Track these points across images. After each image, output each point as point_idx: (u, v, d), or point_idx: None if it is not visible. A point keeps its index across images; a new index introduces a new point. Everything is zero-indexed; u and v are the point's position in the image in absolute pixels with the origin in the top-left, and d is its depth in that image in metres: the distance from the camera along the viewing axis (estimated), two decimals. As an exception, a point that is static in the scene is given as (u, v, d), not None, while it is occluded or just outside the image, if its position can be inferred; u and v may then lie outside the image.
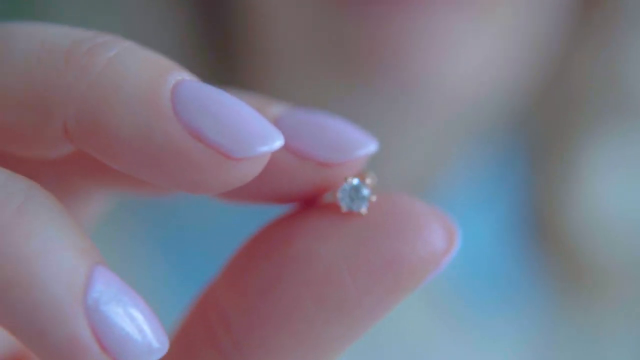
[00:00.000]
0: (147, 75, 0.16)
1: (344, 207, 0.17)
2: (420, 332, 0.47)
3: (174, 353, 0.18)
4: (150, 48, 0.17)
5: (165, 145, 0.15)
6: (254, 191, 0.18)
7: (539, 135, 0.51)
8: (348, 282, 0.16)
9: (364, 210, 0.17)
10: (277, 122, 0.18)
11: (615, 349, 0.49)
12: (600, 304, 0.49)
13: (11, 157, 0.19)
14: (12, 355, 0.21)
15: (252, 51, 0.45)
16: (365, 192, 0.17)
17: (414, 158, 0.48)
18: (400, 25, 0.39)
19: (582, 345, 0.49)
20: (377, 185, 0.18)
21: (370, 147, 0.18)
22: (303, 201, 0.18)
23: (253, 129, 0.16)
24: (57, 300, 0.15)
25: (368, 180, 0.18)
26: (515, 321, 0.49)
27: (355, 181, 0.18)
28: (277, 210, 0.19)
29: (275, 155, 0.17)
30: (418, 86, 0.41)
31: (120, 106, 0.16)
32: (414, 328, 0.47)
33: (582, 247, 0.49)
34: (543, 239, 0.50)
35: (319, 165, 0.17)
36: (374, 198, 0.17)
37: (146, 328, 0.16)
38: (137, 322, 0.15)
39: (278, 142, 0.16)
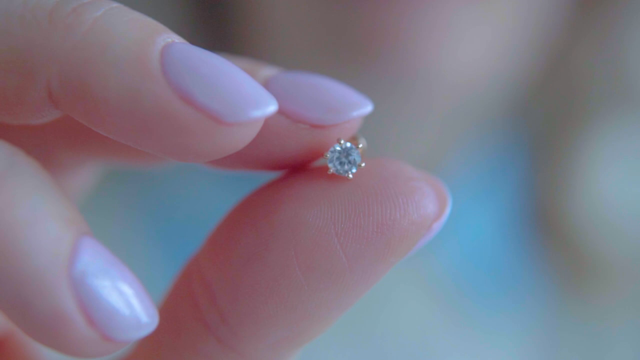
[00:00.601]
0: (135, 36, 0.15)
1: (331, 169, 0.17)
2: (423, 325, 0.47)
3: (158, 328, 0.17)
4: None
5: (154, 109, 0.15)
6: (245, 157, 0.17)
7: (540, 127, 0.50)
8: (337, 248, 0.16)
9: (350, 175, 0.17)
10: (268, 84, 0.17)
11: (617, 341, 0.49)
12: (603, 296, 0.49)
13: None
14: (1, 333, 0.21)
15: (250, 37, 0.45)
16: (356, 156, 0.17)
17: (414, 149, 0.47)
18: (399, 13, 0.39)
19: (585, 337, 0.49)
20: (367, 152, 0.18)
21: (365, 108, 0.17)
22: (294, 168, 0.18)
23: (245, 93, 0.15)
24: (41, 271, 0.14)
25: (360, 146, 0.17)
26: (518, 314, 0.48)
27: (348, 144, 0.17)
28: (268, 180, 0.18)
29: (267, 118, 0.16)
30: (417, 75, 0.41)
31: (107, 67, 0.15)
32: (416, 321, 0.47)
33: (584, 239, 0.49)
34: (545, 231, 0.49)
35: (313, 127, 0.17)
36: (363, 164, 0.17)
37: (135, 302, 0.15)
38: (125, 295, 0.15)
39: (271, 107, 0.16)
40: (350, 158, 0.17)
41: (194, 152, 0.15)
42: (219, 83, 0.15)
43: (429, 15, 0.39)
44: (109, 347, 0.15)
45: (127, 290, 0.15)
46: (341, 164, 0.17)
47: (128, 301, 0.15)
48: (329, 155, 0.17)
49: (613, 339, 0.49)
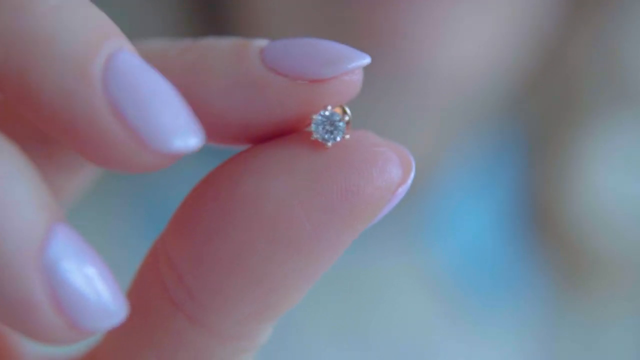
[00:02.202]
0: (87, 35, 0.15)
1: (314, 135, 0.17)
2: (420, 321, 0.47)
3: (128, 312, 0.17)
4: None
5: (84, 115, 0.15)
6: (245, 125, 0.17)
7: (537, 124, 0.50)
8: (301, 217, 0.16)
9: (329, 144, 0.17)
10: (263, 52, 0.17)
11: (615, 338, 0.49)
12: (600, 292, 0.49)
13: None
14: None
15: (245, 33, 0.45)
16: (340, 125, 0.17)
17: (412, 146, 0.47)
18: (395, 9, 0.39)
19: (583, 334, 0.49)
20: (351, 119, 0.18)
21: (362, 60, 0.17)
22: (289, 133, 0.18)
23: (176, 122, 0.15)
24: (12, 254, 0.14)
25: (346, 119, 0.17)
26: (515, 310, 0.48)
27: (334, 113, 0.17)
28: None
29: (266, 80, 0.17)
30: (413, 71, 0.41)
31: (49, 61, 0.15)
32: (414, 318, 0.47)
33: (581, 236, 0.49)
34: (542, 228, 0.49)
35: (311, 82, 0.17)
36: (347, 136, 0.17)
37: (105, 292, 0.15)
38: (95, 285, 0.15)
39: (193, 142, 0.16)
40: (335, 127, 0.17)
41: (112, 163, 0.16)
42: (154, 108, 0.15)
43: (425, 11, 0.39)
44: (75, 336, 0.15)
45: (98, 280, 0.15)
46: (325, 131, 0.17)
47: (98, 291, 0.15)
48: (313, 119, 0.17)
49: (610, 335, 0.49)
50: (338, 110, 0.17)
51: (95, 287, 0.15)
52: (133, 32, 0.17)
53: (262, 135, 0.18)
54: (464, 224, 0.49)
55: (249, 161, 0.17)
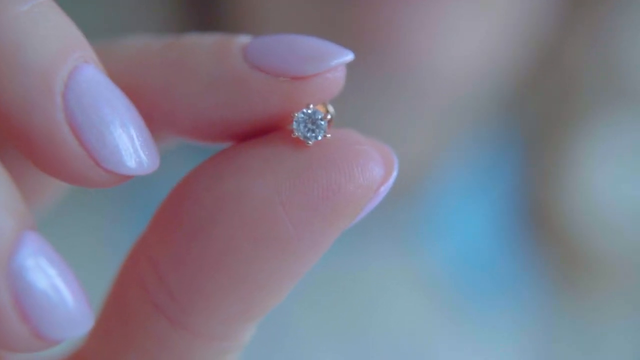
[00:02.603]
0: (52, 47, 0.15)
1: (295, 132, 0.17)
2: (417, 322, 0.47)
3: (109, 314, 0.17)
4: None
5: (42, 129, 0.15)
6: (228, 122, 0.17)
7: (534, 123, 0.50)
8: (283, 216, 0.16)
9: (310, 142, 0.17)
10: (246, 49, 0.17)
11: (612, 338, 0.49)
12: (597, 292, 0.49)
13: None
14: None
15: (241, 31, 0.45)
16: (321, 123, 0.17)
17: (409, 146, 0.47)
18: (392, 8, 0.39)
19: (580, 334, 0.49)
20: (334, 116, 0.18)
21: (345, 56, 0.17)
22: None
23: (132, 145, 0.16)
24: None
25: (328, 117, 0.17)
26: (512, 311, 0.48)
27: (317, 111, 0.17)
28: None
29: (248, 77, 0.17)
30: (410, 70, 0.41)
31: (12, 70, 0.15)
32: (411, 319, 0.47)
33: (578, 236, 0.49)
34: (539, 228, 0.49)
35: (293, 79, 0.17)
36: (328, 135, 0.17)
37: (71, 301, 0.15)
38: (62, 294, 0.15)
39: (148, 164, 0.16)
40: (316, 125, 0.17)
41: (65, 177, 0.16)
42: (112, 128, 0.15)
43: (423, 11, 0.39)
44: (40, 345, 0.15)
45: (64, 289, 0.15)
46: (306, 129, 0.17)
47: (64, 300, 0.15)
48: (295, 117, 0.17)
49: (608, 335, 0.49)
50: (321, 108, 0.17)
51: (62, 296, 0.15)
52: (124, 29, 0.17)
53: (245, 132, 0.17)
54: (461, 225, 0.49)
55: (230, 160, 0.17)
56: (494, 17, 0.42)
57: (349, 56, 0.17)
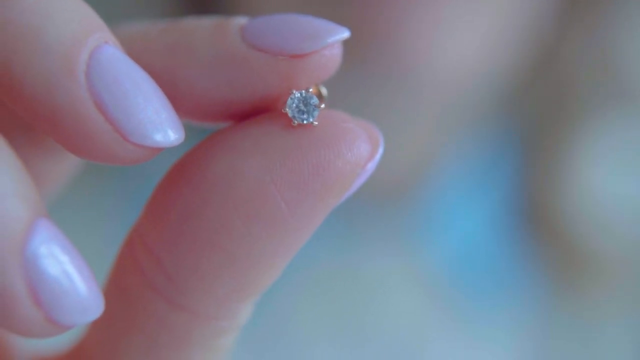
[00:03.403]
0: (72, 29, 0.15)
1: (289, 112, 0.17)
2: (416, 320, 0.47)
3: (109, 300, 0.17)
4: None
5: (66, 106, 0.15)
6: (226, 103, 0.18)
7: (532, 123, 0.51)
8: (275, 194, 0.16)
9: (306, 122, 0.17)
10: (244, 29, 0.17)
11: (611, 336, 0.49)
12: (596, 291, 0.49)
13: None
14: None
15: None
16: (315, 108, 0.17)
17: (408, 147, 0.48)
18: (390, 8, 0.39)
19: (578, 332, 0.49)
20: (326, 98, 0.18)
21: (342, 33, 0.17)
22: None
23: (157, 117, 0.16)
24: None
25: (322, 105, 0.18)
26: (511, 309, 0.48)
27: (304, 92, 0.17)
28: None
29: (247, 57, 0.17)
30: (409, 70, 0.41)
31: (34, 53, 0.15)
32: (410, 317, 0.47)
33: (576, 235, 0.49)
34: (537, 227, 0.49)
35: (292, 58, 0.17)
36: (316, 123, 0.17)
37: (83, 287, 0.15)
38: (74, 280, 0.15)
39: (174, 136, 0.16)
40: (308, 108, 0.17)
41: (94, 155, 0.16)
42: (136, 102, 0.16)
43: (422, 11, 0.40)
44: (52, 330, 0.15)
45: (76, 275, 0.15)
46: (298, 110, 0.17)
47: (76, 286, 0.15)
48: (289, 98, 0.17)
49: (606, 333, 0.49)
50: (314, 91, 0.18)
51: (74, 282, 0.15)
52: (122, 18, 0.17)
53: (244, 112, 0.18)
54: (459, 224, 0.49)
55: (221, 142, 0.17)
56: (492, 17, 0.42)
57: (346, 33, 0.17)
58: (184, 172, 0.17)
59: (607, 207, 0.48)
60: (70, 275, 0.15)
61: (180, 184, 0.17)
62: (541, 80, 0.49)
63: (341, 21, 0.43)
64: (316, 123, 0.17)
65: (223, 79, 0.17)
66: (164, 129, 0.16)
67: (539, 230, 0.49)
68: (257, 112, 0.18)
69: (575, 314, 0.49)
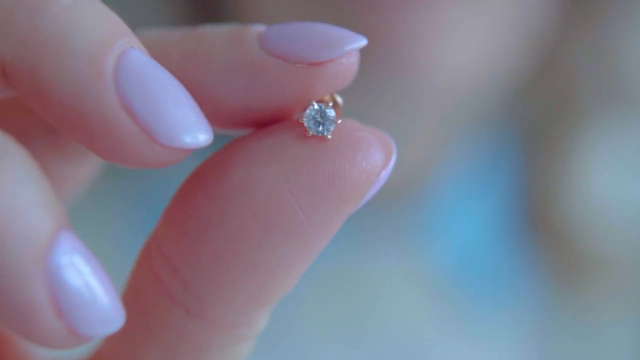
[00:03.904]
0: (98, 34, 0.16)
1: (308, 130, 0.17)
2: (417, 321, 0.47)
3: (127, 310, 0.17)
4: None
5: (95, 110, 0.15)
6: (244, 110, 0.18)
7: (533, 125, 0.51)
8: (292, 203, 0.16)
9: (328, 134, 0.17)
10: (262, 37, 0.17)
11: (612, 337, 0.49)
12: (597, 291, 0.49)
13: (2, 114, 0.19)
14: None
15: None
16: (332, 121, 0.17)
17: (410, 149, 0.48)
18: (392, 12, 0.39)
19: (579, 334, 0.49)
20: (342, 107, 0.18)
21: (359, 42, 0.17)
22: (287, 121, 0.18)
23: (186, 118, 0.16)
24: (18, 260, 0.14)
25: (337, 100, 0.18)
26: (512, 310, 0.48)
27: (323, 105, 0.17)
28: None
29: (265, 64, 0.17)
30: (411, 75, 0.41)
31: (62, 58, 0.15)
32: (411, 318, 0.47)
33: (577, 237, 0.49)
34: (538, 228, 0.50)
35: (310, 66, 0.17)
36: (339, 121, 0.17)
37: (104, 299, 0.15)
38: (96, 291, 0.15)
39: (203, 138, 0.16)
40: (325, 121, 0.17)
41: (123, 158, 0.16)
42: (164, 104, 0.16)
43: (424, 14, 0.40)
44: (74, 341, 0.15)
45: (98, 287, 0.15)
46: (316, 123, 0.17)
47: (97, 298, 0.15)
48: (304, 117, 0.17)
49: (607, 334, 0.49)
50: (329, 98, 0.18)
51: (96, 294, 0.15)
52: (130, 24, 0.18)
53: (261, 120, 0.18)
54: (460, 225, 0.49)
55: (237, 152, 0.17)
56: (494, 21, 0.42)
57: (363, 41, 0.18)
58: (201, 182, 0.17)
59: (608, 208, 0.49)
60: (92, 287, 0.15)
61: (197, 193, 0.17)
62: (543, 82, 0.49)
63: (343, 26, 0.43)
64: (330, 137, 0.17)
65: (241, 86, 0.17)
66: (193, 131, 0.16)
67: (541, 232, 0.50)
68: (274, 120, 0.18)
69: (576, 315, 0.49)
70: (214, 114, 0.18)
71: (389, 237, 0.48)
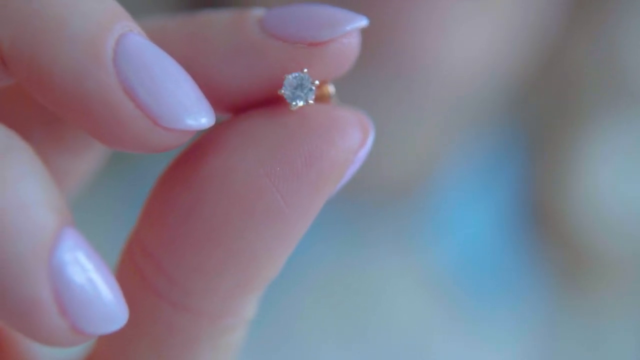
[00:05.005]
0: (96, 18, 0.15)
1: (283, 92, 0.17)
2: (421, 321, 0.47)
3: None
4: None
5: (96, 94, 0.15)
6: (246, 92, 0.18)
7: (538, 124, 0.51)
8: (270, 187, 0.16)
9: (294, 104, 0.17)
10: (262, 20, 0.17)
11: (616, 337, 0.49)
12: (600, 292, 0.49)
13: (2, 106, 0.19)
14: None
15: None
16: (308, 87, 0.17)
17: (413, 147, 0.48)
18: (397, 8, 0.39)
19: (583, 333, 0.49)
20: (334, 97, 0.18)
21: (359, 21, 0.17)
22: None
23: (187, 101, 0.16)
24: (22, 257, 0.14)
25: (330, 89, 0.18)
26: (516, 310, 0.48)
27: (304, 75, 0.17)
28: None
29: (266, 46, 0.17)
30: (415, 71, 0.41)
31: (60, 42, 0.15)
32: (414, 317, 0.47)
33: (581, 236, 0.49)
34: (542, 228, 0.50)
35: (310, 45, 0.17)
36: (311, 101, 0.17)
37: (108, 296, 0.15)
38: (99, 289, 0.15)
39: (205, 120, 0.16)
40: (303, 89, 0.17)
41: (125, 143, 0.16)
42: (165, 86, 0.16)
43: (427, 11, 0.40)
44: (77, 339, 0.15)
45: (101, 285, 0.15)
46: (296, 89, 0.17)
47: (101, 296, 0.15)
48: (286, 78, 0.17)
49: (611, 334, 0.49)
50: (323, 86, 0.18)
51: (99, 291, 0.15)
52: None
53: (262, 103, 0.18)
54: (464, 224, 0.49)
55: (215, 139, 0.17)
56: (498, 18, 0.42)
57: (363, 21, 0.17)
58: (177, 174, 0.17)
59: (612, 208, 0.49)
60: (96, 284, 0.15)
61: (174, 185, 0.17)
62: (547, 81, 0.49)
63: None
64: (311, 102, 0.17)
65: (242, 68, 0.17)
66: (195, 113, 0.16)
67: (545, 231, 0.49)
68: (275, 100, 0.18)
69: (580, 315, 0.49)
70: (215, 97, 0.18)
71: (392, 237, 0.48)
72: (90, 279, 0.15)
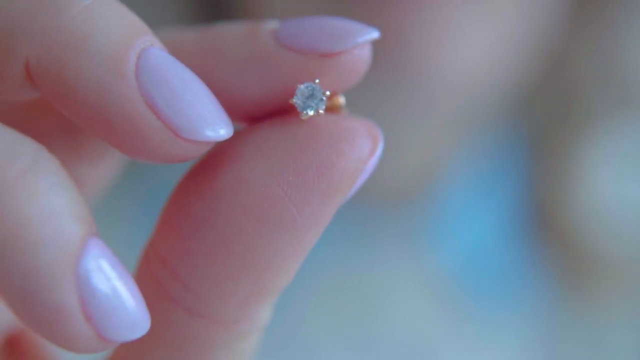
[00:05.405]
0: (118, 33, 0.16)
1: (298, 108, 0.18)
2: (424, 324, 0.47)
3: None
4: None
5: (119, 107, 0.16)
6: (259, 103, 0.18)
7: (540, 127, 0.51)
8: (282, 197, 0.17)
9: (304, 114, 0.18)
10: (275, 31, 0.18)
11: (618, 339, 0.49)
12: (602, 294, 0.49)
13: (23, 115, 0.19)
14: (9, 333, 0.22)
15: None
16: (319, 98, 0.18)
17: (417, 151, 0.48)
18: (401, 13, 0.39)
19: (586, 336, 0.49)
20: (345, 108, 0.19)
21: (371, 34, 0.18)
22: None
23: (207, 113, 0.16)
24: (50, 266, 0.15)
25: (340, 100, 0.18)
26: (518, 312, 0.48)
27: (315, 86, 0.18)
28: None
29: (280, 57, 0.17)
30: (419, 76, 0.41)
31: (84, 57, 0.16)
32: (418, 320, 0.47)
33: (583, 239, 0.49)
34: (545, 231, 0.50)
35: (322, 57, 0.17)
36: (321, 110, 0.18)
37: (131, 304, 0.16)
38: (122, 297, 0.16)
39: (223, 131, 0.17)
40: (314, 99, 0.18)
41: (146, 154, 0.16)
42: (185, 99, 0.16)
43: (431, 16, 0.40)
44: (101, 345, 0.16)
45: (125, 293, 0.16)
46: (307, 99, 0.18)
47: (125, 304, 0.16)
48: (295, 94, 0.18)
49: (613, 336, 0.49)
50: (335, 98, 0.18)
51: (123, 299, 0.16)
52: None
53: (275, 111, 0.18)
54: (467, 227, 0.49)
55: (228, 150, 0.18)
56: (502, 23, 0.42)
57: (375, 34, 0.18)
58: (192, 183, 0.18)
59: (614, 211, 0.49)
60: (120, 292, 0.15)
61: (189, 195, 0.17)
62: (549, 85, 0.49)
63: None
64: (322, 111, 0.18)
65: (256, 79, 0.18)
66: (213, 124, 0.16)
67: (547, 234, 0.50)
68: (288, 111, 0.18)
69: (583, 317, 0.49)
70: (229, 107, 0.18)
71: (396, 239, 0.48)
72: (114, 287, 0.15)
